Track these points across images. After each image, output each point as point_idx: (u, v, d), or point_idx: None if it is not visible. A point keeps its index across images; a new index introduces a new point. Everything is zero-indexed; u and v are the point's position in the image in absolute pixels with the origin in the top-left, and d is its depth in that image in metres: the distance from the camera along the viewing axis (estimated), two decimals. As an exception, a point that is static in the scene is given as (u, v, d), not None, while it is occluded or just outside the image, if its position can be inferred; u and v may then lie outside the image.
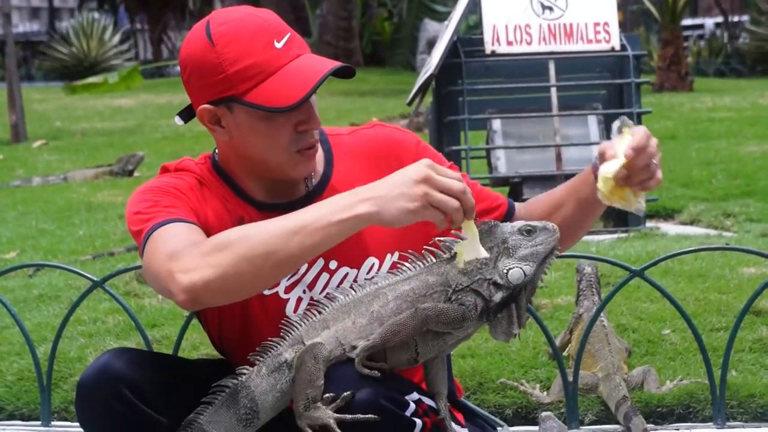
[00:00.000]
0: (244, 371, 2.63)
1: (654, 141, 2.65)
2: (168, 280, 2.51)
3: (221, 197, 2.79)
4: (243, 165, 2.78)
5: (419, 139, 2.93)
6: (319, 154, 2.82)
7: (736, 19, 31.40)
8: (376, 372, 2.54)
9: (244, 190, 2.80)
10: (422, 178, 2.48)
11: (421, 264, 2.63)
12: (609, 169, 2.60)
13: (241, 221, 2.74)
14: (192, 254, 2.51)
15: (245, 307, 2.75)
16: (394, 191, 2.48)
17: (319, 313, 2.63)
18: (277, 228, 2.52)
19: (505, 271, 2.56)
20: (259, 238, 2.51)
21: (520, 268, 2.56)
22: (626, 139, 2.62)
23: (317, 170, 2.82)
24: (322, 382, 2.53)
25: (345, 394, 2.51)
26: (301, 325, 2.63)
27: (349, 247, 2.69)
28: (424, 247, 2.64)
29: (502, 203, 2.90)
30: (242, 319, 2.78)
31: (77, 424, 3.76)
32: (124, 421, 2.66)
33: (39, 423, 4.03)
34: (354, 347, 2.57)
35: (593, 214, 2.88)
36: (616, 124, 2.67)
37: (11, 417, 4.15)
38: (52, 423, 4.01)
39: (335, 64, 2.66)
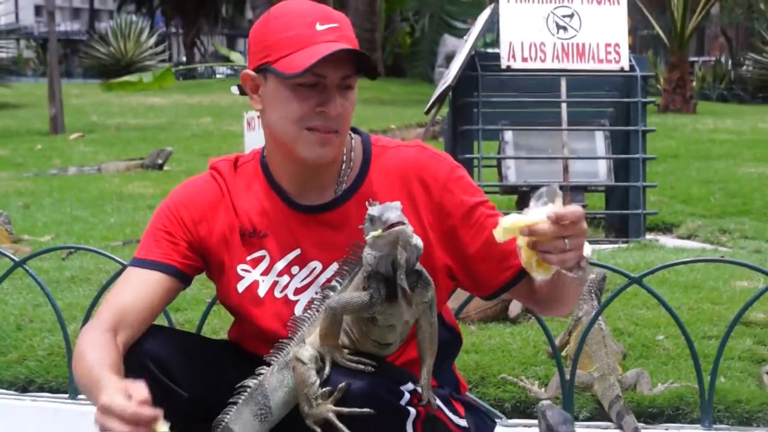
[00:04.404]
0: (262, 371, 2.64)
1: (581, 224, 2.44)
2: None
3: (260, 189, 2.79)
4: (275, 151, 2.75)
5: (455, 167, 2.78)
6: (357, 158, 2.80)
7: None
8: (361, 366, 2.53)
9: (281, 186, 2.77)
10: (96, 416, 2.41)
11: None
12: (507, 218, 2.47)
13: (253, 233, 2.75)
14: (84, 330, 2.69)
15: (254, 314, 2.76)
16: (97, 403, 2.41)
17: (318, 311, 2.62)
18: (82, 377, 2.56)
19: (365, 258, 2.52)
20: (78, 374, 2.57)
21: (366, 254, 2.50)
22: (550, 207, 2.44)
23: (350, 177, 2.78)
24: (315, 379, 2.52)
25: (341, 385, 2.50)
26: (304, 325, 2.63)
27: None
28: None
29: (514, 265, 2.70)
30: (253, 325, 2.77)
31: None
32: (150, 394, 2.64)
33: (66, 396, 4.07)
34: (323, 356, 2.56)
35: (561, 290, 2.69)
36: (542, 190, 2.48)
37: (41, 389, 4.18)
38: (79, 397, 4.03)
39: (349, 47, 2.62)
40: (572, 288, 2.66)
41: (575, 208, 2.43)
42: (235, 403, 2.63)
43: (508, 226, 2.45)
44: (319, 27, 2.65)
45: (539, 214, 2.42)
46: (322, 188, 2.76)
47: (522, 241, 2.45)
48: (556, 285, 2.62)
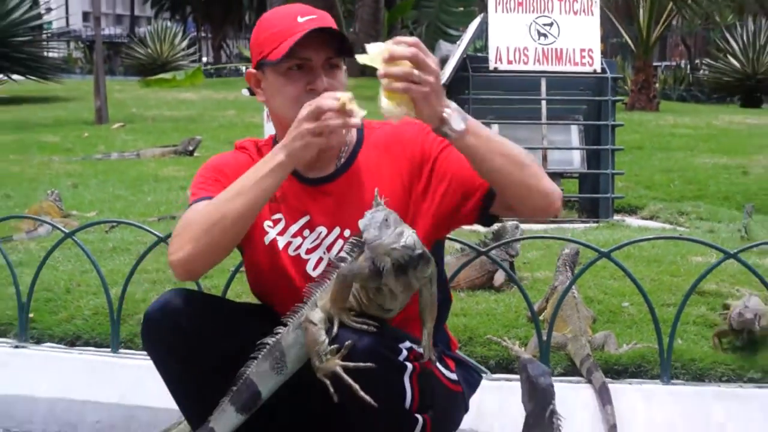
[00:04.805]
0: (279, 331, 2.63)
1: (430, 67, 2.41)
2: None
3: None
4: (282, 134, 2.71)
5: (423, 127, 2.70)
6: (352, 140, 2.81)
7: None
8: (365, 326, 2.53)
9: None
10: (301, 118, 2.49)
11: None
12: (372, 46, 2.42)
13: (273, 198, 2.73)
14: (175, 238, 2.61)
15: (277, 265, 2.77)
16: (290, 137, 2.51)
17: (328, 280, 2.61)
18: (224, 196, 2.58)
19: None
20: (210, 209, 2.57)
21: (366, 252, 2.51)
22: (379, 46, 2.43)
23: (347, 153, 2.80)
24: (324, 338, 2.52)
25: (347, 343, 2.50)
26: (317, 291, 2.62)
27: (361, 217, 2.62)
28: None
29: (482, 184, 2.67)
30: (273, 274, 2.78)
31: (140, 352, 3.82)
32: (179, 347, 2.69)
33: (109, 350, 4.08)
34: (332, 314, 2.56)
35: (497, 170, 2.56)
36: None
37: (86, 344, 4.20)
38: (120, 351, 4.05)
39: (323, 26, 2.64)
40: (502, 167, 2.53)
41: (414, 40, 2.43)
42: (255, 358, 2.63)
43: (373, 53, 2.41)
44: (300, 19, 2.68)
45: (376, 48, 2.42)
46: (324, 164, 2.78)
47: (384, 81, 2.40)
48: (488, 173, 2.55)
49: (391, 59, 2.40)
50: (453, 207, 2.70)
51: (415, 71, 2.41)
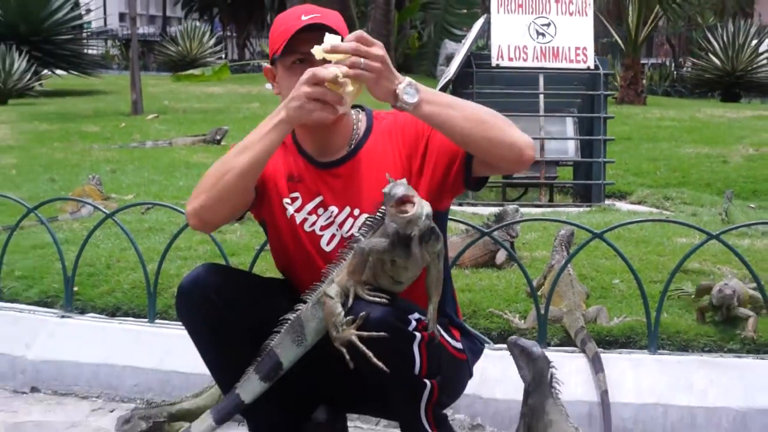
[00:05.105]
0: (299, 307, 2.64)
1: (373, 49, 2.46)
2: None
3: (292, 154, 2.83)
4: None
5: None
6: (362, 126, 2.83)
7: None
8: (377, 299, 2.53)
9: (304, 149, 2.82)
10: (301, 81, 2.50)
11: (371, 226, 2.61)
12: (322, 45, 2.49)
13: (292, 178, 2.78)
14: (193, 191, 2.65)
15: (296, 239, 2.78)
16: (290, 96, 2.53)
17: (344, 260, 2.62)
18: (233, 152, 2.60)
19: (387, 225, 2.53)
20: (221, 164, 2.60)
21: (388, 223, 2.51)
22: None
23: (357, 140, 2.81)
24: (341, 311, 2.53)
25: (361, 314, 2.51)
26: (333, 270, 2.63)
27: (368, 197, 2.69)
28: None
29: (459, 150, 2.67)
30: (293, 248, 2.80)
31: (175, 322, 3.84)
32: (210, 317, 2.70)
33: (146, 320, 4.09)
34: (347, 288, 2.57)
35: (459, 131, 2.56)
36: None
37: (126, 315, 4.22)
38: (156, 321, 4.07)
39: (317, 23, 2.65)
40: (462, 128, 2.52)
41: (358, 33, 2.47)
42: (278, 332, 2.64)
43: (325, 48, 2.48)
44: (303, 18, 2.68)
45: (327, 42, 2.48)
46: (336, 149, 2.79)
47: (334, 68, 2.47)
48: (449, 133, 2.55)
49: (333, 51, 2.47)
50: (442, 176, 2.71)
51: (362, 60, 2.46)
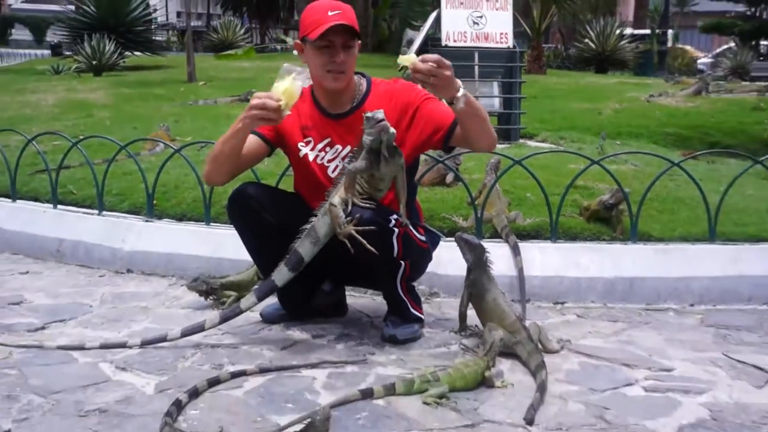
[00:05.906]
0: (312, 218, 2.60)
1: (442, 70, 2.34)
2: None
3: (309, 105, 2.74)
4: (315, 85, 2.70)
5: (412, 85, 2.69)
6: (363, 89, 2.74)
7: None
8: (367, 205, 2.53)
9: (320, 103, 2.74)
10: (252, 105, 2.47)
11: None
12: (403, 57, 2.39)
13: (305, 127, 2.70)
14: (206, 157, 2.73)
15: (308, 170, 2.71)
16: (244, 113, 2.51)
17: (339, 182, 2.59)
18: (221, 138, 2.63)
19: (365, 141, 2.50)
20: (216, 145, 2.64)
21: (365, 138, 2.50)
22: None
23: (359, 98, 2.72)
24: (342, 214, 2.51)
25: (357, 215, 2.51)
26: (333, 189, 2.59)
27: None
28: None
29: (445, 125, 2.63)
30: (308, 174, 2.73)
31: (225, 224, 3.77)
32: (251, 219, 2.68)
33: (203, 223, 4.02)
34: (346, 200, 2.54)
35: (468, 127, 2.53)
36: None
37: (189, 219, 4.13)
38: (211, 223, 3.99)
39: (343, 23, 2.56)
40: (474, 123, 2.50)
41: (437, 58, 2.36)
42: (299, 237, 2.61)
43: (408, 60, 2.39)
44: (330, 13, 2.59)
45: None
46: (343, 105, 2.72)
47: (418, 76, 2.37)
48: (464, 124, 2.53)
49: (414, 70, 2.37)
50: (427, 137, 2.66)
51: (431, 78, 2.37)
